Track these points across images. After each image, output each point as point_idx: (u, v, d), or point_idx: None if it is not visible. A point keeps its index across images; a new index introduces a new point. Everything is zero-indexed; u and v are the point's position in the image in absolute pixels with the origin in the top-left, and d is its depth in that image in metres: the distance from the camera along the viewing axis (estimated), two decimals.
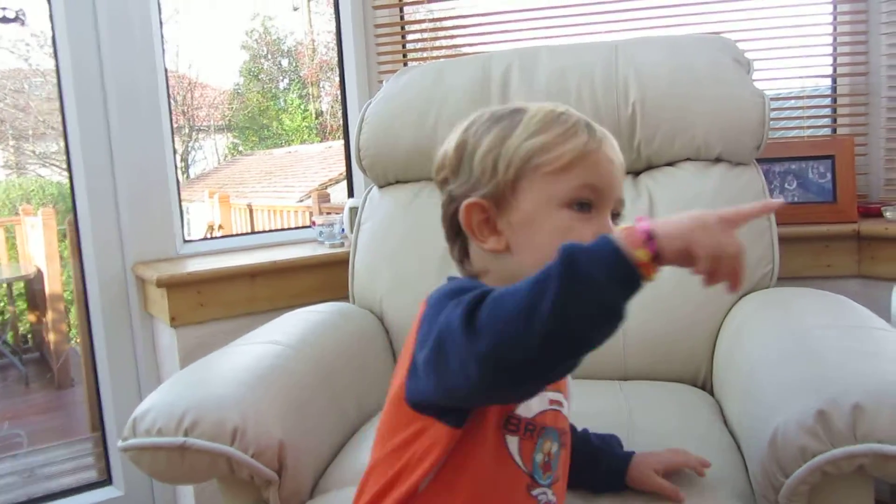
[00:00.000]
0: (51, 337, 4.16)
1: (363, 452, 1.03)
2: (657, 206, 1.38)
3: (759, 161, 1.46)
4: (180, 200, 1.72)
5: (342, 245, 1.70)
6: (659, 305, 1.28)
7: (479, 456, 0.68)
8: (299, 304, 1.47)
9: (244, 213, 4.82)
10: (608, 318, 0.57)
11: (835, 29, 1.78)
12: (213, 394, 0.94)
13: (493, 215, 0.72)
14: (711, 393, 1.25)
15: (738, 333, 1.19)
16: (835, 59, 1.80)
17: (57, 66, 1.63)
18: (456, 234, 0.77)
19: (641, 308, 1.27)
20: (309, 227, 1.94)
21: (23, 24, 1.76)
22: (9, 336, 4.50)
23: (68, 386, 4.00)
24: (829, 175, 1.67)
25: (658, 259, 0.59)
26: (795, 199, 1.68)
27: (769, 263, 1.36)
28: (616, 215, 0.74)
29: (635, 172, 1.47)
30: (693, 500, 0.86)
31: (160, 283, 1.47)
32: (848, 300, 1.18)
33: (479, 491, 0.68)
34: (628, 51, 1.48)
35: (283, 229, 1.96)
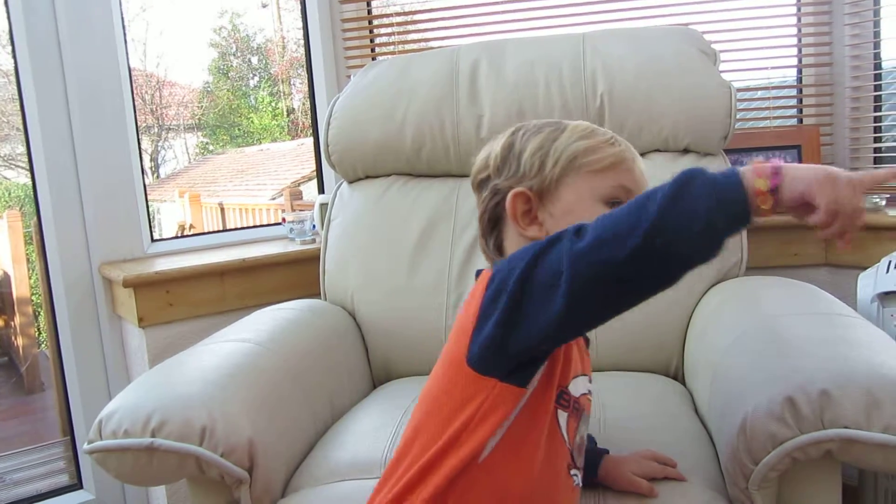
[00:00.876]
0: (19, 341, 4.08)
1: (336, 449, 1.03)
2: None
3: (727, 151, 1.48)
4: (147, 199, 1.69)
5: (313, 241, 1.69)
6: None
7: (540, 426, 0.71)
8: (270, 302, 1.46)
9: (216, 213, 4.76)
10: (707, 240, 0.60)
11: (799, 20, 1.80)
12: (181, 393, 0.93)
13: (535, 206, 0.80)
14: (683, 382, 1.26)
15: (707, 323, 1.20)
16: (800, 51, 1.82)
17: (16, 64, 1.59)
18: (493, 227, 0.84)
19: None
20: (280, 224, 1.92)
21: None
22: None
23: (38, 390, 3.93)
24: None
25: (776, 194, 0.61)
26: None
27: (738, 253, 1.37)
28: None
29: None
30: (665, 490, 0.86)
31: (127, 283, 1.44)
32: (815, 288, 1.19)
33: (537, 462, 0.70)
34: (595, 43, 1.48)
35: (253, 227, 1.93)
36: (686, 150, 1.43)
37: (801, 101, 1.82)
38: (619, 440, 0.93)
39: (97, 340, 1.65)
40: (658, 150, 1.44)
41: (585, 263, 0.60)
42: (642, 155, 1.42)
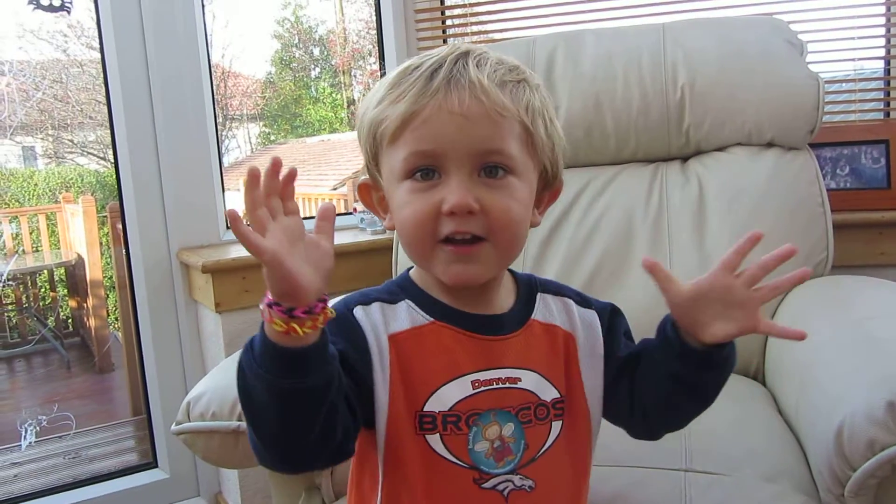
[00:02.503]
0: (91, 322, 4.24)
1: None
2: (707, 192, 1.36)
3: (811, 146, 1.42)
4: (224, 188, 1.73)
5: (384, 232, 1.70)
6: None
7: (408, 463, 0.64)
8: (341, 292, 1.45)
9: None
10: (284, 404, 0.56)
11: (888, 9, 1.72)
12: None
13: (380, 193, 0.69)
14: (763, 383, 1.23)
15: (794, 322, 1.15)
16: (888, 41, 1.74)
17: (102, 57, 1.64)
18: None
19: None
20: (349, 213, 1.94)
21: (69, 13, 1.77)
22: (50, 321, 4.60)
23: (108, 370, 4.08)
24: (882, 160, 1.62)
25: (298, 310, 0.54)
26: (847, 185, 1.63)
27: (823, 251, 1.33)
28: (495, 168, 0.63)
29: (684, 158, 1.44)
30: (753, 493, 0.84)
31: (205, 269, 1.48)
32: None
33: (423, 496, 0.64)
34: (676, 33, 1.44)
35: None
36: (770, 144, 1.39)
37: (888, 93, 1.74)
38: (708, 446, 0.91)
39: (174, 324, 1.70)
40: (740, 144, 1.40)
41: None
42: (722, 149, 1.40)
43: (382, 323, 0.66)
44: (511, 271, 0.73)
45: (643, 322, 1.26)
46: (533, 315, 0.70)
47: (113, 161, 1.69)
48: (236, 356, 1.06)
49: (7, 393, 4.18)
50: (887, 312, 1.03)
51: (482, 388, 0.65)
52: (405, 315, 0.66)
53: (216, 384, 0.95)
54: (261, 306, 0.55)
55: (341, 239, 1.67)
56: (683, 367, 0.66)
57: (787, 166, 1.36)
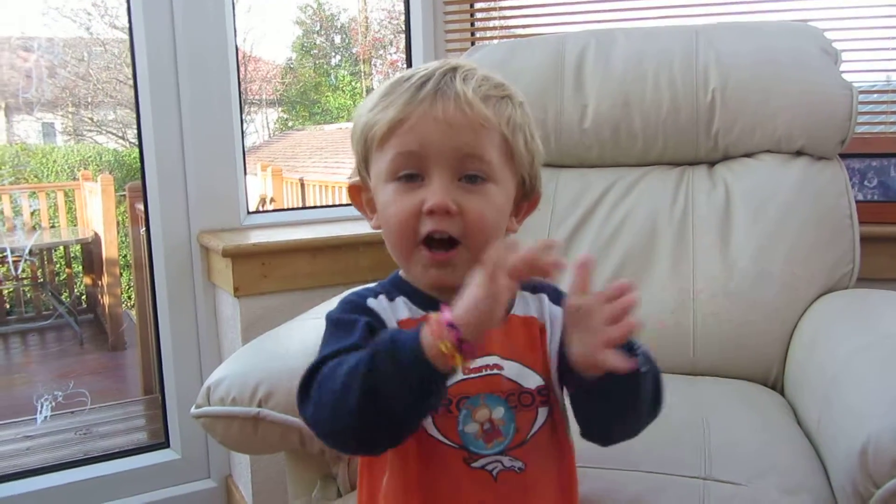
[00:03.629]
0: (105, 300, 4.27)
1: None
2: (733, 198, 1.34)
3: (842, 156, 1.41)
4: (245, 172, 1.73)
5: None
6: (733, 296, 1.25)
7: (409, 443, 0.67)
8: (359, 281, 1.45)
9: (296, 188, 4.85)
10: (416, 404, 0.61)
11: None
12: (287, 366, 0.94)
13: (369, 194, 0.74)
14: (782, 393, 1.22)
15: (817, 334, 1.15)
16: None
17: (131, 34, 1.64)
18: None
19: (713, 297, 1.26)
20: None
21: None
22: (65, 297, 4.64)
23: (121, 348, 4.11)
24: None
25: (464, 346, 0.58)
26: (875, 197, 1.61)
27: (850, 263, 1.31)
28: (474, 176, 0.68)
29: (711, 162, 1.43)
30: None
31: (226, 253, 1.48)
32: None
33: (419, 476, 0.68)
34: (709, 36, 1.43)
35: (341, 205, 1.96)
36: (799, 153, 1.37)
37: None
38: (729, 455, 0.91)
39: (191, 306, 1.70)
40: (769, 151, 1.38)
41: (317, 430, 0.66)
42: (751, 155, 1.39)
43: (391, 311, 0.71)
44: None
45: (662, 328, 1.26)
46: (512, 311, 0.73)
47: (134, 140, 1.70)
48: (256, 342, 1.06)
49: (21, 367, 4.23)
50: None
51: (471, 374, 0.69)
52: (404, 308, 0.72)
53: (236, 369, 0.95)
54: (433, 320, 0.59)
55: (360, 229, 1.67)
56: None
57: (817, 176, 1.34)
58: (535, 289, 0.75)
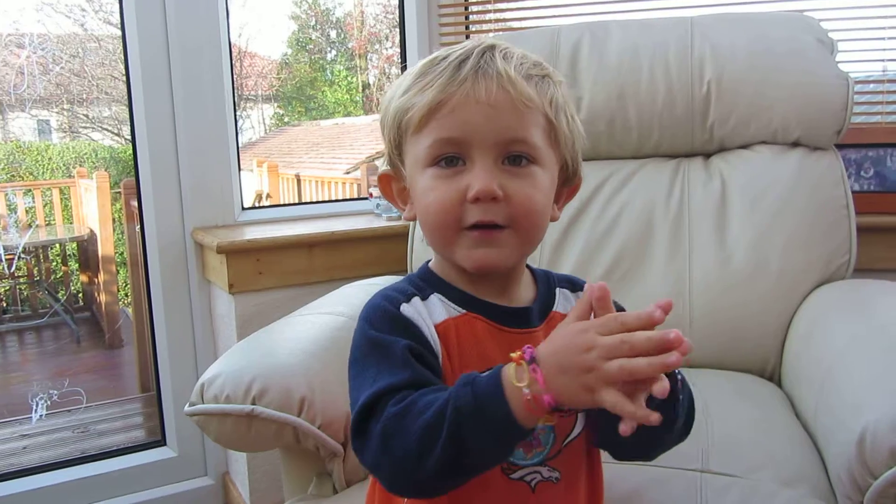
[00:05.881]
0: (102, 297, 4.26)
1: None
2: (729, 190, 1.34)
3: (838, 147, 1.40)
4: (240, 168, 1.72)
5: (399, 218, 1.69)
6: (729, 289, 1.25)
7: None
8: (355, 277, 1.47)
9: (292, 183, 4.84)
10: (501, 458, 0.59)
11: None
12: (281, 363, 0.94)
13: (401, 184, 0.70)
14: (779, 384, 1.21)
15: (813, 325, 1.15)
16: None
17: (123, 31, 1.63)
18: None
19: (710, 289, 1.25)
20: (364, 198, 1.93)
21: None
22: (61, 295, 4.62)
23: (118, 346, 4.10)
24: None
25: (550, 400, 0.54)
26: (871, 187, 1.61)
27: (846, 254, 1.31)
28: (519, 157, 0.64)
29: (707, 154, 1.42)
30: (770, 497, 0.83)
31: (220, 250, 1.47)
32: None
33: (462, 491, 0.63)
34: (704, 27, 1.42)
35: (337, 200, 1.95)
36: (795, 144, 1.36)
37: None
38: (726, 448, 0.90)
39: (186, 303, 1.70)
40: (765, 143, 1.38)
41: (386, 481, 0.61)
42: (747, 147, 1.38)
43: (427, 314, 0.66)
44: (528, 266, 0.73)
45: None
46: (555, 307, 0.70)
47: (129, 137, 1.69)
48: (250, 338, 1.05)
49: (17, 365, 4.21)
50: None
51: None
52: (440, 307, 0.67)
53: (231, 367, 0.94)
54: (528, 381, 0.54)
55: (356, 224, 1.66)
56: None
57: (813, 167, 1.34)
58: (574, 286, 0.73)
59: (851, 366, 0.94)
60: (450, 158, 0.64)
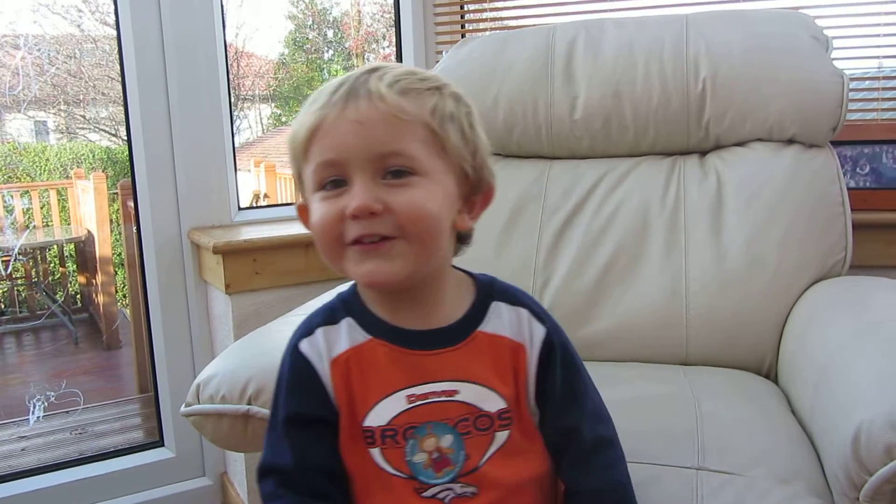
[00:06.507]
0: (100, 299, 4.26)
1: None
2: (725, 188, 1.34)
3: (833, 144, 1.40)
4: (236, 169, 1.72)
5: None
6: (726, 285, 1.25)
7: (357, 475, 0.70)
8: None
9: (289, 183, 4.84)
10: None
11: None
12: (278, 363, 0.93)
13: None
14: (776, 381, 1.21)
15: (809, 322, 1.15)
16: None
17: (118, 31, 1.63)
18: None
19: (706, 286, 1.25)
20: None
21: None
22: (59, 296, 4.62)
23: (116, 347, 4.10)
24: None
25: None
26: (867, 185, 1.61)
27: (842, 251, 1.31)
28: (399, 171, 0.64)
29: (702, 152, 1.42)
30: (767, 494, 0.83)
31: (216, 250, 1.47)
32: None
33: None
34: (699, 24, 1.42)
35: None
36: (791, 141, 1.36)
37: None
38: (722, 445, 0.90)
39: (183, 304, 1.70)
40: (761, 140, 1.37)
41: None
42: (742, 144, 1.38)
43: (325, 349, 0.70)
44: (474, 276, 0.74)
45: (655, 319, 1.26)
46: (480, 327, 0.70)
47: (126, 138, 1.69)
48: (246, 339, 1.05)
49: (15, 367, 4.21)
50: None
51: (418, 402, 0.68)
52: (346, 335, 0.70)
53: (226, 367, 0.94)
54: None
55: None
56: None
57: (808, 164, 1.34)
58: (514, 300, 0.73)
59: (847, 363, 0.94)
60: (335, 181, 0.65)
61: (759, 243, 1.27)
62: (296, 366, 0.71)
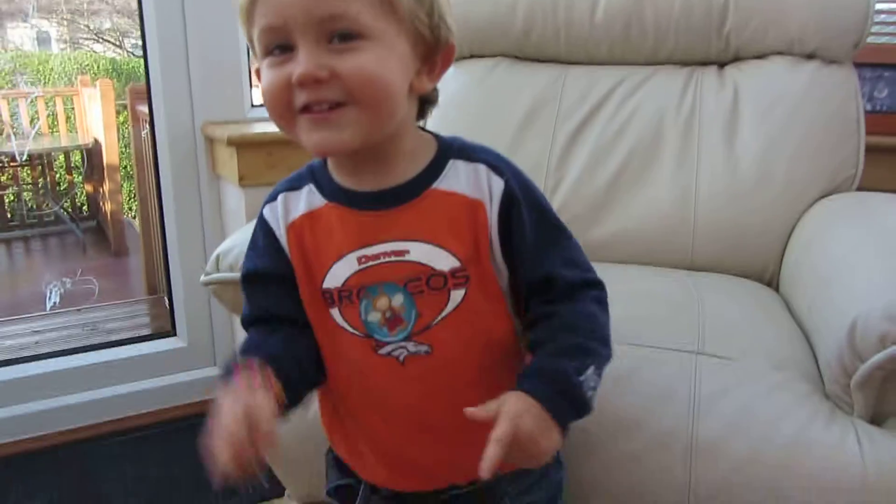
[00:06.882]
0: (107, 206, 4.28)
1: None
2: (742, 99, 1.33)
3: (856, 65, 1.39)
4: (250, 64, 1.72)
5: None
6: (735, 195, 1.26)
7: (322, 336, 0.72)
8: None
9: None
10: None
11: None
12: None
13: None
14: (777, 290, 1.24)
15: (815, 233, 1.17)
16: None
17: None
18: None
19: (715, 195, 1.27)
20: None
21: None
22: (66, 204, 4.65)
23: (124, 254, 4.15)
24: None
25: None
26: (884, 108, 1.61)
27: (853, 168, 1.32)
28: (345, 35, 0.61)
29: (721, 63, 1.41)
30: (761, 378, 0.87)
31: (231, 142, 1.48)
32: None
33: (336, 366, 0.72)
34: None
35: None
36: (811, 56, 1.35)
37: None
38: (722, 333, 0.94)
39: (196, 198, 1.72)
40: (781, 53, 1.36)
41: None
42: (762, 57, 1.38)
43: (283, 215, 0.72)
44: (439, 137, 0.72)
45: (663, 224, 1.28)
46: (435, 184, 0.68)
47: (131, 50, 1.67)
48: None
49: (26, 270, 4.27)
50: None
51: (369, 263, 0.68)
52: (304, 200, 0.71)
53: (245, 239, 0.96)
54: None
55: None
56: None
57: (827, 79, 1.33)
58: (471, 157, 0.69)
59: (849, 266, 0.96)
60: (281, 47, 0.62)
61: (771, 155, 1.28)
62: (259, 229, 0.74)
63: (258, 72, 0.67)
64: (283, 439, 0.93)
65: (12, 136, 4.60)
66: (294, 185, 0.72)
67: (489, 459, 0.57)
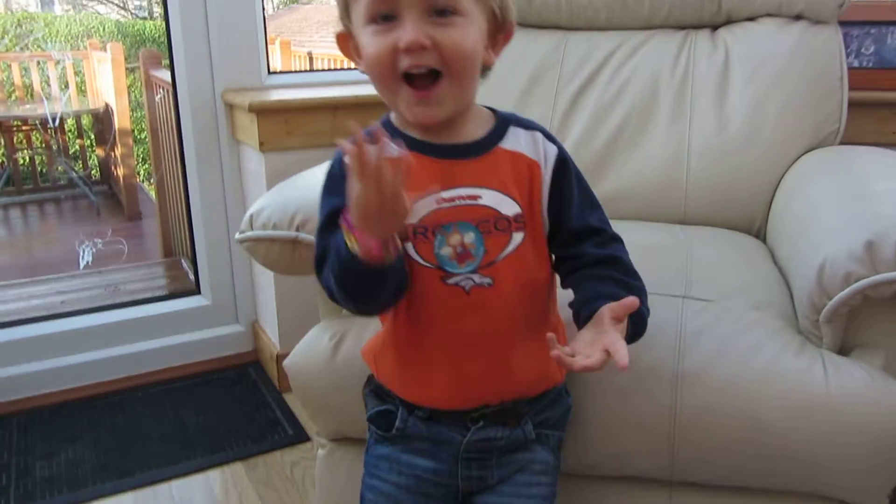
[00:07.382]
0: (119, 171, 4.36)
1: None
2: (732, 60, 1.42)
3: (842, 24, 1.46)
4: (266, 33, 1.79)
5: None
6: (725, 153, 1.35)
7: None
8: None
9: (304, 62, 4.83)
10: (373, 291, 0.75)
11: None
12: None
13: (354, 41, 0.79)
14: (764, 241, 1.34)
15: (796, 184, 1.27)
16: None
17: None
18: None
19: (706, 153, 1.36)
20: None
21: None
22: (78, 168, 4.73)
23: (137, 218, 4.25)
24: None
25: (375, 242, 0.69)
26: (870, 64, 1.68)
27: (836, 123, 1.40)
28: (444, 11, 0.72)
29: (714, 26, 1.49)
30: (739, 317, 0.97)
31: (251, 109, 1.57)
32: None
33: (409, 294, 0.80)
34: None
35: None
36: (799, 17, 1.43)
37: None
38: (707, 278, 1.04)
39: (217, 163, 1.81)
40: (770, 15, 1.44)
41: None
42: (752, 19, 1.45)
43: None
44: (494, 111, 0.84)
45: (657, 181, 1.37)
46: (500, 143, 0.80)
47: (135, 12, 1.74)
48: (289, 180, 1.17)
49: (41, 233, 4.37)
50: (888, 173, 1.12)
51: (445, 204, 0.78)
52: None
53: (276, 200, 1.06)
54: (354, 241, 0.70)
55: (358, 91, 1.74)
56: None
57: (812, 39, 1.41)
58: (529, 126, 0.83)
59: (823, 213, 1.06)
60: (385, 16, 0.72)
61: (759, 114, 1.36)
62: (338, 174, 0.80)
63: (342, 36, 0.79)
64: (315, 382, 1.04)
65: (29, 99, 4.64)
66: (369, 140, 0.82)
67: (599, 362, 0.69)
